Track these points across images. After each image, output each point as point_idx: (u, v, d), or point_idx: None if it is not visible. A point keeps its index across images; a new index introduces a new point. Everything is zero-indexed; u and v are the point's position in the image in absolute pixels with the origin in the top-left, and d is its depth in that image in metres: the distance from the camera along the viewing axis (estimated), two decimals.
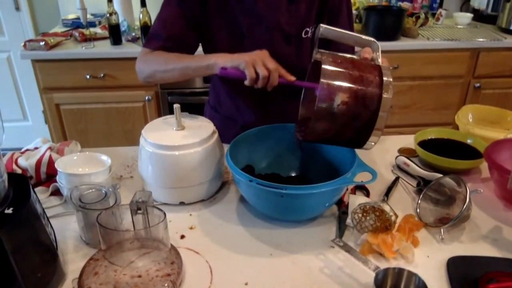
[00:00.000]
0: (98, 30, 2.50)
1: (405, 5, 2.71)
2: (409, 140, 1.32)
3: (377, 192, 1.10)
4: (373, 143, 0.91)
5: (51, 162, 1.06)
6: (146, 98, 2.39)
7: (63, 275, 0.83)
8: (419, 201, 1.03)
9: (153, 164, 1.01)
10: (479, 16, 2.81)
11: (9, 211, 0.70)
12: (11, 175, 0.76)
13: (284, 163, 1.15)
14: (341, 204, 1.03)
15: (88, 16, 2.49)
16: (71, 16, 2.67)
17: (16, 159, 1.08)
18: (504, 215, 1.03)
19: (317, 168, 1.13)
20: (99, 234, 0.79)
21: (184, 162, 0.99)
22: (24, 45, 2.23)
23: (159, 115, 2.44)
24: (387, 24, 2.42)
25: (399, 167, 1.22)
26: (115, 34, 2.32)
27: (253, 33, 1.17)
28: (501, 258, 0.88)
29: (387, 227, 0.91)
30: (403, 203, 1.06)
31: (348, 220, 0.97)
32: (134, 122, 2.46)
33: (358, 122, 0.87)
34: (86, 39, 2.34)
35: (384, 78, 0.86)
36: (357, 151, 1.00)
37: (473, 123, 1.36)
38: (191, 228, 0.97)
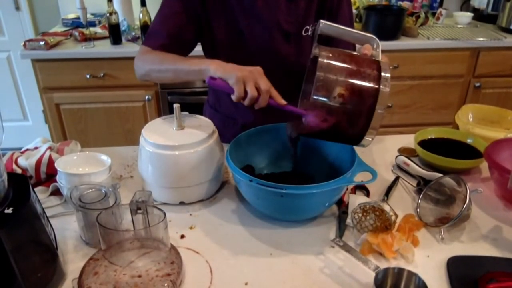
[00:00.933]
0: (98, 29, 2.50)
1: (405, 4, 2.71)
2: (409, 140, 1.32)
3: (377, 192, 1.10)
4: (370, 139, 0.90)
5: (51, 162, 1.06)
6: (146, 97, 2.39)
7: (63, 275, 0.83)
8: (419, 201, 1.03)
9: (153, 164, 1.01)
10: (479, 16, 2.81)
11: (9, 211, 0.70)
12: (11, 175, 0.76)
13: (284, 163, 1.15)
14: (341, 204, 1.03)
15: (88, 15, 2.49)
16: (71, 15, 2.67)
17: (16, 159, 1.08)
18: (504, 215, 1.03)
19: (317, 168, 1.13)
20: (99, 234, 0.79)
21: (184, 162, 0.99)
22: (24, 45, 2.23)
23: (159, 115, 2.44)
24: (387, 23, 2.41)
25: (399, 167, 1.21)
26: (115, 33, 2.32)
27: (253, 32, 1.17)
28: (501, 258, 0.88)
29: (387, 226, 0.91)
30: (403, 203, 1.06)
31: (348, 220, 0.97)
32: (134, 121, 2.46)
33: (355, 116, 0.86)
34: (86, 39, 2.34)
35: (382, 73, 0.86)
36: (357, 150, 1.00)
37: (473, 123, 1.36)
38: (191, 228, 0.97)
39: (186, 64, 1.07)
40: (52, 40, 2.27)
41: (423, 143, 1.25)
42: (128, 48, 2.30)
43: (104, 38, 2.42)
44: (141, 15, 2.29)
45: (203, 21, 1.18)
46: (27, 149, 1.15)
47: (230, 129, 1.33)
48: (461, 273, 0.83)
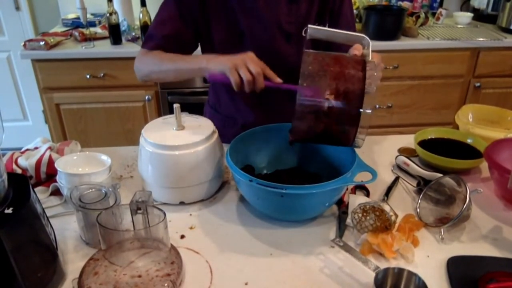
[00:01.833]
0: (98, 29, 2.50)
1: (405, 4, 2.71)
2: (409, 140, 1.32)
3: (377, 192, 1.10)
4: (362, 139, 0.91)
5: (51, 162, 1.06)
6: (146, 98, 2.39)
7: (63, 275, 0.83)
8: (419, 201, 1.03)
9: (153, 164, 1.01)
10: (479, 16, 2.81)
11: (9, 211, 0.70)
12: (11, 175, 0.76)
13: (284, 163, 1.15)
14: (341, 204, 1.03)
15: (88, 15, 2.49)
16: (71, 15, 2.67)
17: (16, 159, 1.08)
18: (504, 215, 1.03)
19: (317, 168, 1.13)
20: (99, 234, 0.79)
21: (184, 162, 0.99)
22: (24, 45, 2.23)
23: (159, 115, 2.44)
24: (387, 23, 2.41)
25: (399, 167, 1.21)
26: (115, 33, 2.32)
27: (253, 32, 1.17)
28: (501, 258, 0.88)
29: (387, 227, 0.91)
30: (403, 203, 1.06)
31: (348, 220, 0.97)
32: (134, 122, 2.46)
33: (343, 118, 0.87)
34: (86, 39, 2.34)
35: (368, 73, 0.86)
36: (357, 150, 1.00)
37: (473, 123, 1.36)
38: (191, 228, 0.97)
39: (186, 63, 1.09)
40: (52, 40, 2.27)
41: (423, 143, 1.25)
42: (128, 48, 2.30)
43: (104, 38, 2.42)
44: (141, 15, 2.29)
45: (201, 24, 1.18)
46: (27, 149, 1.15)
47: (230, 129, 1.33)
48: (461, 273, 0.83)
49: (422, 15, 2.58)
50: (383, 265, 0.82)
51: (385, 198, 1.06)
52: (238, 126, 1.33)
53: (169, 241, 0.84)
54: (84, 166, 1.04)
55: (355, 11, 2.55)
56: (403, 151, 1.29)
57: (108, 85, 2.35)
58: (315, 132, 0.90)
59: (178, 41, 1.18)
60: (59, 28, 2.62)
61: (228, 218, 1.01)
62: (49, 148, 1.10)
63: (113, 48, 2.31)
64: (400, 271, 0.78)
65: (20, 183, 0.77)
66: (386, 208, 0.93)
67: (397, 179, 1.15)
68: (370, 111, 0.86)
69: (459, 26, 2.69)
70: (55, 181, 1.03)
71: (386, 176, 1.18)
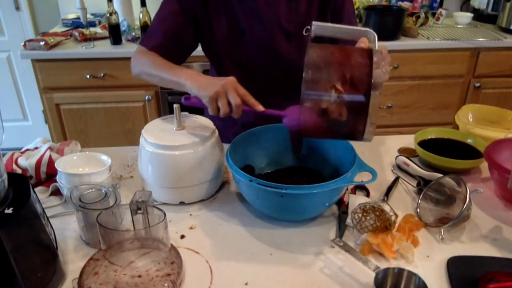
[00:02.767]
0: (98, 29, 2.50)
1: (405, 4, 2.71)
2: (409, 140, 1.32)
3: (377, 192, 1.10)
4: (372, 132, 0.88)
5: (51, 162, 1.06)
6: (146, 98, 2.39)
7: (63, 275, 0.83)
8: (419, 201, 1.03)
9: (153, 164, 1.01)
10: (479, 16, 2.81)
11: (9, 211, 0.70)
12: (11, 175, 0.76)
13: (284, 163, 1.15)
14: (341, 204, 1.03)
15: (88, 15, 2.49)
16: (71, 15, 2.67)
17: (16, 159, 1.08)
18: (504, 215, 1.03)
19: (317, 168, 1.13)
20: (99, 234, 0.79)
21: (184, 162, 0.99)
22: (24, 45, 2.23)
23: (159, 115, 2.44)
24: (387, 23, 2.41)
25: (399, 167, 1.21)
26: (115, 33, 2.32)
27: (253, 31, 1.17)
28: (501, 258, 0.88)
29: (387, 227, 0.91)
30: (403, 203, 1.06)
31: (348, 220, 0.97)
32: (134, 122, 2.46)
33: (351, 108, 0.84)
34: (86, 39, 2.34)
35: (374, 59, 0.83)
36: (357, 150, 1.00)
37: (473, 123, 1.36)
38: (191, 228, 0.97)
39: (169, 74, 1.08)
40: (52, 40, 2.27)
41: (423, 143, 1.25)
42: (128, 48, 2.30)
43: (104, 38, 2.42)
44: (141, 15, 2.29)
45: (203, 22, 1.18)
46: (27, 149, 1.15)
47: (230, 129, 1.33)
48: (461, 273, 0.83)
49: (422, 15, 2.58)
50: (383, 265, 0.82)
51: (385, 198, 1.06)
52: (238, 126, 1.33)
53: (169, 241, 0.84)
54: (84, 166, 1.04)
55: (355, 11, 2.56)
56: (403, 151, 1.29)
57: (108, 85, 2.35)
58: (323, 127, 0.88)
59: (178, 39, 1.17)
60: (59, 28, 2.62)
61: (228, 218, 1.01)
62: (49, 148, 1.10)
63: (113, 48, 2.31)
64: (400, 271, 0.78)
65: (20, 183, 0.77)
66: (386, 208, 0.93)
67: (397, 179, 1.15)
68: (377, 97, 0.82)
69: (459, 26, 2.69)
70: (55, 181, 1.03)
71: (386, 176, 1.18)
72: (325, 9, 1.20)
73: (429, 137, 1.29)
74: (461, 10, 2.94)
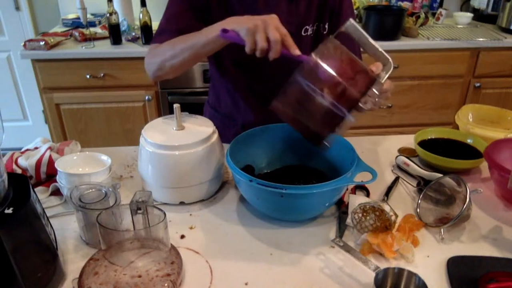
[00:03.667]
0: (98, 29, 2.50)
1: (405, 4, 2.71)
2: (409, 140, 1.32)
3: (377, 192, 1.10)
4: (329, 142, 0.89)
5: (51, 162, 1.06)
6: (146, 98, 2.39)
7: (63, 275, 0.83)
8: (419, 201, 1.03)
9: (153, 164, 1.01)
10: (479, 16, 2.81)
11: (9, 211, 0.70)
12: (11, 175, 0.76)
13: (284, 163, 1.15)
14: (341, 204, 1.03)
15: (88, 15, 2.49)
16: (71, 15, 2.67)
17: (16, 159, 1.08)
18: (504, 215, 1.03)
19: (317, 168, 1.13)
20: (99, 234, 0.79)
21: (184, 162, 0.99)
22: (24, 45, 2.23)
23: (159, 115, 2.45)
24: (387, 23, 2.41)
25: (399, 167, 1.21)
26: (115, 33, 2.32)
27: None
28: (501, 258, 0.88)
29: (387, 227, 0.91)
30: (403, 203, 1.06)
31: (348, 220, 0.97)
32: (134, 122, 2.46)
33: (324, 114, 0.85)
34: (86, 39, 2.34)
35: (372, 89, 0.85)
36: (357, 150, 1.00)
37: (473, 123, 1.36)
38: (191, 228, 0.97)
39: (201, 36, 1.02)
40: (52, 40, 2.28)
41: (423, 143, 1.25)
42: (128, 48, 2.30)
43: (104, 38, 2.42)
44: (141, 15, 2.29)
45: (207, 20, 1.18)
46: (27, 149, 1.15)
47: (230, 129, 1.33)
48: (461, 273, 0.83)
49: (422, 15, 2.58)
50: (383, 265, 0.82)
51: (385, 198, 1.06)
52: (238, 126, 1.33)
53: (169, 241, 0.84)
54: (84, 166, 1.04)
55: (355, 12, 2.56)
56: (403, 151, 1.29)
57: (108, 85, 2.35)
58: (293, 113, 0.88)
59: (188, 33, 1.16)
60: (59, 28, 2.62)
61: (228, 218, 1.01)
62: (49, 148, 1.10)
63: (113, 48, 2.31)
64: (400, 271, 0.78)
65: (20, 183, 0.77)
66: (386, 208, 0.93)
67: (397, 179, 1.15)
68: (353, 119, 0.84)
69: (459, 26, 2.69)
70: (55, 181, 1.03)
71: (386, 176, 1.18)
72: (323, 10, 1.20)
73: (429, 137, 1.29)
74: (461, 10, 2.94)
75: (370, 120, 2.55)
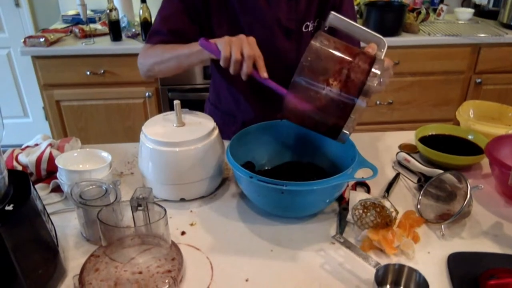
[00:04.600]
0: (98, 26, 2.50)
1: (406, 0, 2.70)
2: (409, 136, 1.32)
3: (378, 188, 1.10)
4: (348, 132, 0.87)
5: (51, 159, 1.06)
6: (147, 94, 2.39)
7: (64, 271, 0.83)
8: (420, 197, 1.03)
9: (153, 161, 1.01)
10: (480, 12, 2.80)
11: (10, 208, 0.70)
12: (12, 172, 0.76)
13: (284, 160, 1.15)
14: (342, 201, 1.03)
15: (88, 12, 2.49)
16: (71, 12, 2.67)
17: (17, 156, 1.08)
18: (505, 211, 1.03)
19: (317, 164, 1.13)
20: (100, 231, 0.79)
21: (185, 158, 0.99)
22: (24, 42, 2.23)
23: (160, 112, 2.44)
24: (388, 19, 2.41)
25: (399, 163, 1.21)
26: (115, 30, 2.32)
27: (253, 29, 1.17)
28: (502, 255, 0.88)
29: (388, 223, 0.91)
30: (403, 199, 1.06)
31: (349, 216, 0.97)
32: (135, 118, 2.46)
33: (334, 105, 0.84)
34: (86, 35, 2.34)
35: (374, 67, 0.83)
36: (358, 146, 0.99)
37: (474, 119, 1.36)
38: (191, 224, 0.97)
39: (186, 48, 1.08)
40: (52, 37, 2.27)
41: (424, 140, 1.25)
42: (128, 45, 2.30)
43: (104, 34, 2.42)
44: (141, 11, 2.28)
45: (204, 20, 1.18)
46: (27, 146, 1.15)
47: (231, 126, 1.33)
48: (461, 270, 0.83)
49: (423, 11, 2.57)
50: (383, 261, 0.82)
51: (386, 195, 1.06)
52: (239, 123, 1.33)
53: (170, 237, 0.85)
54: (84, 163, 1.04)
55: (356, 7, 2.56)
56: (404, 148, 1.29)
57: (108, 82, 2.35)
58: (305, 114, 0.88)
59: (182, 36, 1.17)
60: (59, 25, 2.62)
61: (228, 215, 1.01)
62: (50, 145, 1.10)
63: (113, 45, 2.31)
64: (401, 267, 0.78)
65: (21, 180, 0.77)
66: (387, 204, 0.93)
67: (397, 175, 1.15)
68: (364, 104, 0.83)
69: (460, 22, 2.68)
70: (56, 178, 1.03)
71: (387, 172, 1.17)
72: (324, 7, 1.19)
73: (430, 133, 1.29)
74: (462, 6, 2.93)
75: (371, 117, 2.54)
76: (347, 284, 0.81)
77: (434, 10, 2.75)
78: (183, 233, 0.95)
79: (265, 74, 0.94)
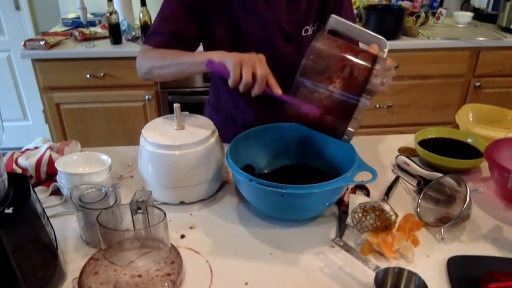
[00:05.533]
0: (98, 29, 2.50)
1: (406, 4, 2.71)
2: (409, 140, 1.32)
3: (377, 192, 1.10)
4: (353, 130, 0.87)
5: (51, 162, 1.06)
6: (146, 97, 2.39)
7: (63, 274, 0.83)
8: (419, 201, 1.03)
9: (153, 164, 1.01)
10: (480, 15, 2.81)
11: (9, 210, 0.70)
12: (11, 175, 0.76)
13: (284, 163, 1.15)
14: (341, 204, 1.03)
15: (88, 15, 2.49)
16: (71, 15, 2.67)
17: (16, 159, 1.08)
18: (504, 215, 1.03)
19: (317, 167, 1.13)
20: (99, 234, 0.79)
21: (184, 161, 0.99)
22: (24, 45, 2.23)
23: (159, 115, 2.44)
24: (388, 23, 2.41)
25: (399, 167, 1.21)
26: (115, 33, 2.32)
27: (253, 32, 1.17)
28: (502, 258, 0.88)
29: (387, 226, 0.91)
30: (403, 203, 1.06)
31: (348, 220, 0.97)
32: (134, 121, 2.46)
33: (337, 104, 0.84)
34: (86, 39, 2.34)
35: (377, 66, 0.83)
36: (357, 150, 1.00)
37: (473, 122, 1.36)
38: (191, 227, 0.97)
39: (190, 57, 1.06)
40: (52, 40, 2.27)
41: (423, 143, 1.25)
42: (128, 48, 2.30)
43: (104, 38, 2.42)
44: (141, 14, 2.29)
45: (204, 20, 1.18)
46: (27, 149, 1.15)
47: (231, 129, 1.33)
48: (461, 273, 0.83)
49: (422, 15, 2.58)
50: (383, 264, 0.82)
51: (385, 198, 1.06)
52: (239, 126, 1.33)
53: (169, 240, 0.84)
54: (84, 166, 1.04)
55: (355, 11, 2.56)
56: (403, 151, 1.29)
57: (108, 85, 2.35)
58: (308, 113, 0.88)
59: (182, 37, 1.16)
60: (59, 28, 2.62)
61: (228, 218, 1.01)
62: (49, 147, 1.10)
63: (113, 48, 2.31)
64: (400, 270, 0.78)
65: (20, 182, 0.77)
66: (386, 207, 0.93)
67: (397, 178, 1.15)
68: (368, 103, 0.82)
69: (459, 25, 2.69)
70: (55, 181, 1.03)
71: (387, 175, 1.18)
72: (324, 10, 1.20)
73: (429, 137, 1.29)
74: (461, 9, 2.94)
75: (370, 120, 2.55)
76: (347, 287, 0.81)
77: (433, 14, 2.75)
78: (182, 236, 0.95)
79: (279, 91, 0.92)
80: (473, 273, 0.81)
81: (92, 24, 2.54)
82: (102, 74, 2.31)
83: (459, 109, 1.40)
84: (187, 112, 1.11)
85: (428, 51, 2.40)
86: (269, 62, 1.05)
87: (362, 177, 0.94)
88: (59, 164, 0.99)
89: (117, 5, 2.43)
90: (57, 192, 1.06)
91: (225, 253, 0.90)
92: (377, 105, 2.52)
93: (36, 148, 1.14)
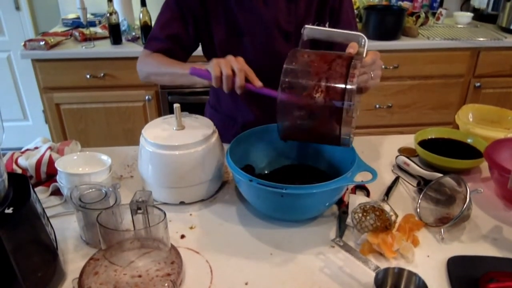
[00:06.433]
0: (98, 29, 2.50)
1: (405, 4, 2.71)
2: (409, 140, 1.32)
3: (377, 192, 1.10)
4: (348, 137, 0.89)
5: (51, 162, 1.06)
6: (146, 97, 2.39)
7: (63, 274, 0.83)
8: (419, 201, 1.03)
9: (153, 164, 1.01)
10: (480, 16, 2.81)
11: (9, 211, 0.70)
12: (11, 175, 0.76)
13: (284, 163, 1.15)
14: (341, 204, 1.03)
15: (88, 15, 2.49)
16: (71, 15, 2.67)
17: (16, 159, 1.08)
18: (504, 215, 1.03)
19: (317, 167, 1.13)
20: (99, 234, 0.79)
21: (184, 161, 0.99)
22: (24, 45, 2.23)
23: (159, 115, 2.44)
24: (387, 23, 2.41)
25: (399, 167, 1.21)
26: (115, 33, 2.32)
27: (252, 32, 1.17)
28: (502, 258, 0.88)
29: (387, 226, 0.91)
30: (403, 203, 1.06)
31: (348, 220, 0.97)
32: (134, 121, 2.46)
33: (325, 114, 0.86)
34: (86, 39, 2.34)
35: (350, 70, 0.85)
36: (357, 150, 1.00)
37: (473, 123, 1.36)
38: (191, 228, 0.97)
39: (181, 68, 1.11)
40: (52, 40, 2.27)
41: (423, 143, 1.25)
42: (128, 48, 2.30)
43: (104, 38, 2.42)
44: (141, 15, 2.29)
45: (202, 23, 1.18)
46: (27, 149, 1.15)
47: (231, 129, 1.33)
48: (461, 273, 0.83)
49: (422, 15, 2.58)
50: (383, 265, 0.82)
51: (385, 198, 1.06)
52: (239, 126, 1.33)
53: (169, 241, 0.84)
54: (84, 166, 1.04)
55: (355, 11, 2.56)
56: (403, 151, 1.29)
57: (108, 85, 2.35)
58: (301, 129, 0.90)
59: (180, 41, 1.19)
60: (59, 28, 2.62)
61: (228, 218, 1.01)
62: (49, 148, 1.10)
63: (113, 48, 2.31)
64: (400, 271, 0.78)
65: (20, 183, 0.77)
66: (386, 208, 0.93)
67: (397, 179, 1.15)
68: (352, 103, 0.84)
69: (459, 26, 2.69)
70: (55, 181, 1.03)
71: (386, 176, 1.18)
72: (323, 9, 1.20)
73: (429, 137, 1.29)
74: (461, 9, 2.94)
75: (370, 120, 2.55)
76: (347, 287, 0.81)
77: (433, 14, 2.75)
78: (182, 236, 0.95)
79: (259, 83, 0.96)
80: (473, 273, 0.81)
81: (92, 24, 2.54)
82: (102, 74, 2.31)
83: (459, 109, 1.40)
84: (187, 112, 1.12)
85: (428, 52, 2.40)
86: (268, 62, 1.05)
87: (362, 177, 0.94)
88: (59, 164, 0.99)
89: (117, 5, 2.43)
90: (57, 192, 1.06)
91: (225, 253, 0.90)
92: (377, 106, 2.52)
93: (36, 148, 1.14)
